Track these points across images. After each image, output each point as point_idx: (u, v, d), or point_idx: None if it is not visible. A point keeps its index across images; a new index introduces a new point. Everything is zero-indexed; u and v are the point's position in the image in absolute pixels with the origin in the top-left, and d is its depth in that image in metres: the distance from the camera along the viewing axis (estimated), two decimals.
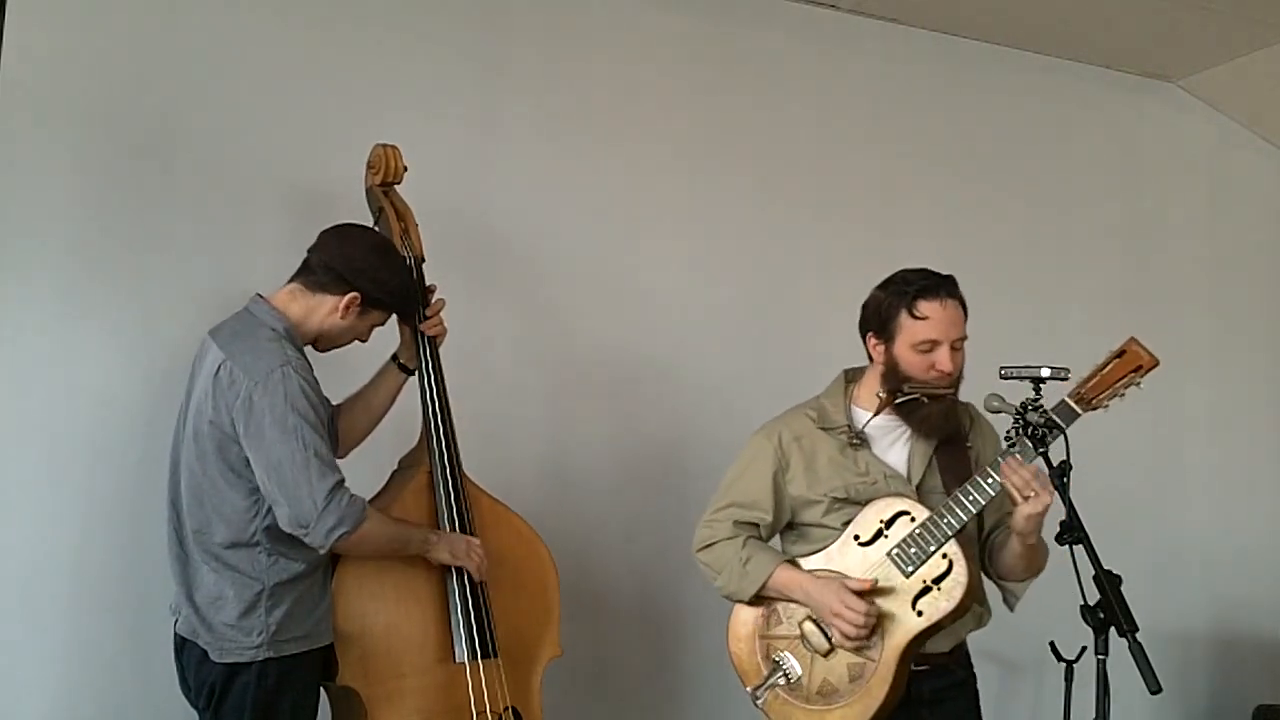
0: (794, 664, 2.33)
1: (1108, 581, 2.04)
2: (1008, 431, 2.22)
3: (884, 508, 2.32)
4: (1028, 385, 2.22)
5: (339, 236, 2.41)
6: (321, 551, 2.23)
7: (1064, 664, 3.31)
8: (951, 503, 2.25)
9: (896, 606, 2.27)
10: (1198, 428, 4.10)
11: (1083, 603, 2.07)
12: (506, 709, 2.42)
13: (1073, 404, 2.20)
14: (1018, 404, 2.20)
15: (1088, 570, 2.06)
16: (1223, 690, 4.09)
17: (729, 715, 3.31)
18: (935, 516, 2.26)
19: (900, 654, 2.25)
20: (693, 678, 3.35)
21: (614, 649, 3.26)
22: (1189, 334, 4.08)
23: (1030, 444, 2.19)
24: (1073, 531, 2.09)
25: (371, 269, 2.38)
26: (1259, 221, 4.31)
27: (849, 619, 2.23)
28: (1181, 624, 3.99)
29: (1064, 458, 2.18)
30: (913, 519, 2.28)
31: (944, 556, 2.25)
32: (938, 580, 2.25)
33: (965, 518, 2.24)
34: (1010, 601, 2.44)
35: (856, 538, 2.32)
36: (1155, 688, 1.94)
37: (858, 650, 2.27)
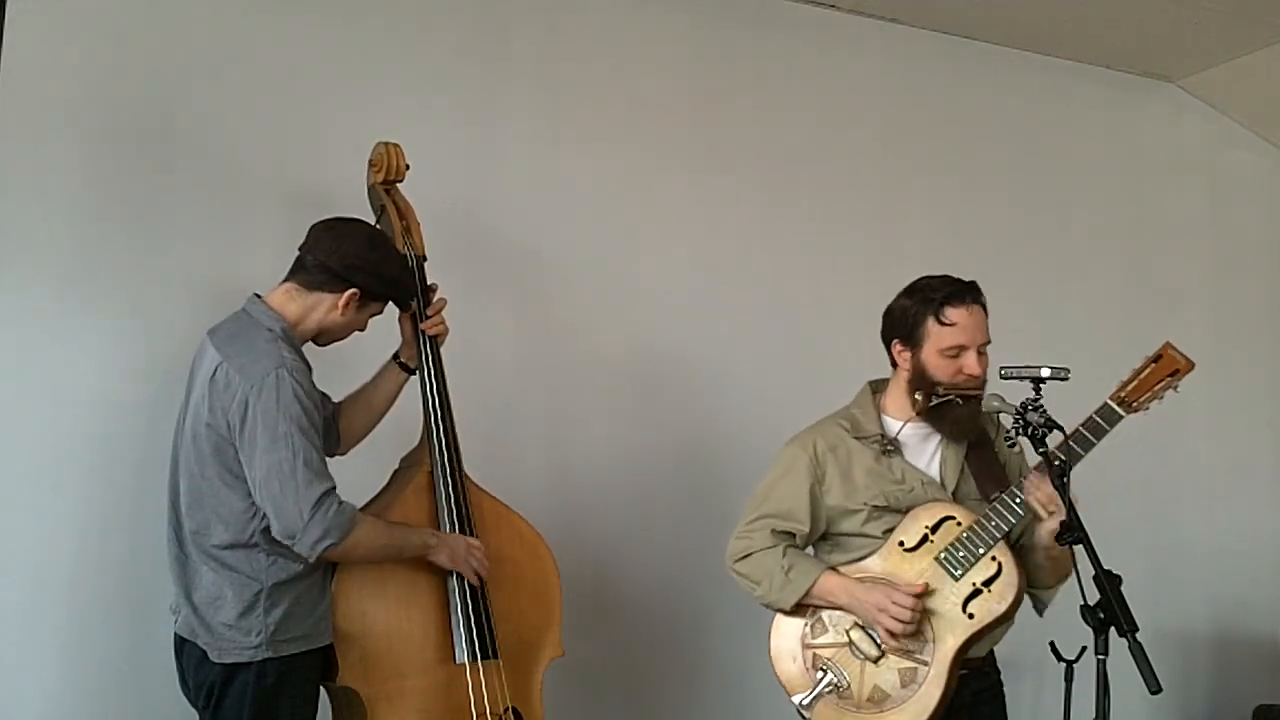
0: (842, 672, 2.31)
1: (1108, 581, 2.04)
2: (1008, 432, 2.22)
3: (929, 513, 2.33)
4: (1028, 385, 2.22)
5: (331, 233, 2.40)
6: (310, 560, 2.23)
7: (1064, 664, 3.31)
8: (999, 505, 2.27)
9: (947, 609, 2.27)
10: (1198, 428, 4.10)
11: (1083, 603, 2.07)
12: (507, 710, 2.42)
13: (1115, 406, 2.25)
14: (1018, 404, 2.20)
15: (1088, 570, 2.06)
16: (1223, 690, 4.09)
17: (730, 715, 3.32)
18: (983, 519, 2.27)
19: (953, 657, 2.26)
20: (695, 677, 3.35)
21: (615, 649, 3.26)
22: (1189, 334, 4.03)
23: (1030, 443, 2.19)
24: (1073, 531, 2.09)
25: (368, 264, 2.37)
26: (1259, 221, 4.31)
27: (894, 614, 2.23)
28: (1181, 624, 3.99)
29: (1063, 458, 2.18)
30: (959, 523, 2.29)
31: (993, 559, 2.26)
32: (988, 582, 2.26)
33: (1014, 520, 2.26)
34: (1039, 608, 2.45)
35: (901, 544, 2.33)
36: (1155, 688, 1.94)
37: (907, 654, 2.27)
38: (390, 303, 2.49)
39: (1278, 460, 4.26)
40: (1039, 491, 2.21)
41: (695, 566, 3.25)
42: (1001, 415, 2.29)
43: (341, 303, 2.36)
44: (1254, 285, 4.28)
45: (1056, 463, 2.16)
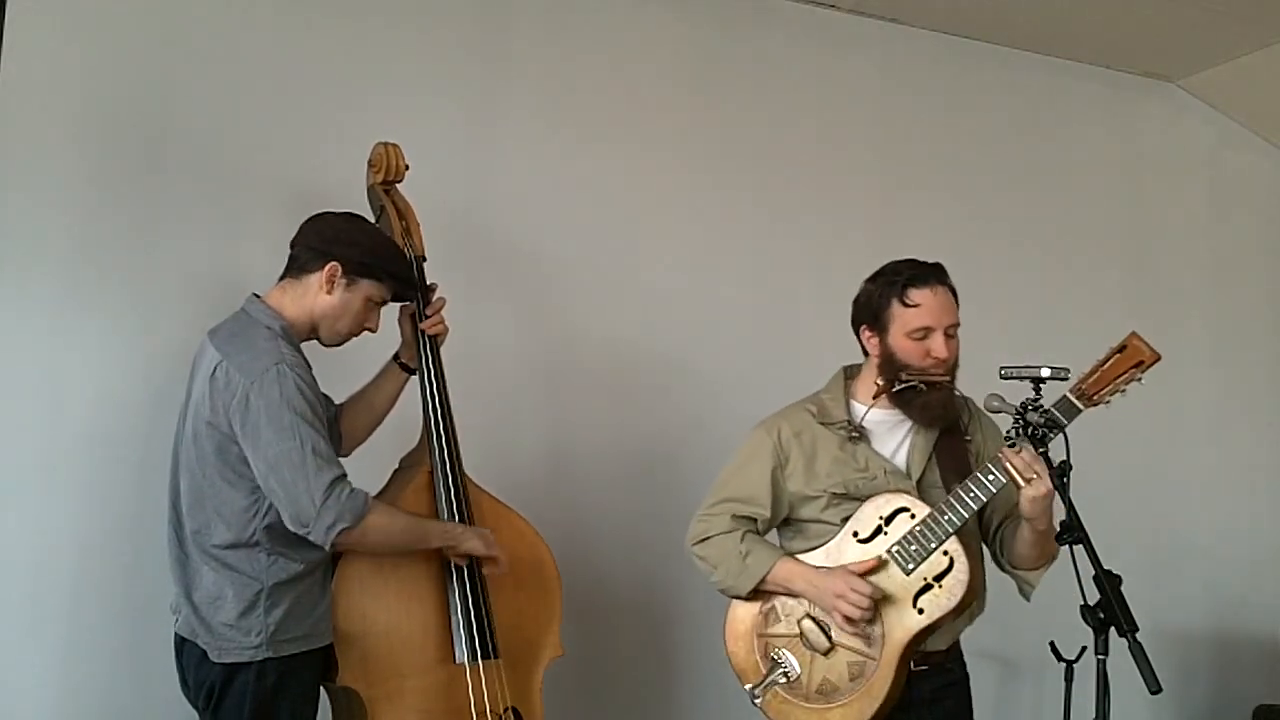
0: (793, 662, 2.32)
1: (1108, 581, 2.04)
2: (1008, 431, 2.22)
3: (883, 504, 2.31)
4: (1028, 385, 2.22)
5: (312, 219, 2.41)
6: (326, 549, 2.22)
7: (1064, 664, 3.31)
8: (953, 499, 2.24)
9: (897, 604, 2.26)
10: (1198, 428, 4.10)
11: (1083, 603, 2.07)
12: (507, 709, 2.42)
13: (1074, 399, 2.18)
14: (1018, 404, 2.20)
15: (1088, 570, 2.06)
16: (1223, 690, 4.09)
17: (731, 715, 3.31)
18: (936, 513, 2.25)
19: (901, 652, 2.25)
20: (695, 677, 3.35)
21: (616, 649, 3.26)
22: (1189, 334, 4.08)
23: (1030, 444, 2.19)
24: (1073, 531, 2.09)
25: (344, 234, 2.37)
26: (1259, 221, 4.31)
27: (852, 600, 2.23)
28: (1181, 624, 3.99)
29: (1064, 458, 2.18)
30: (913, 515, 2.28)
31: (945, 554, 2.24)
32: (939, 577, 2.25)
33: (966, 515, 2.23)
34: (1026, 591, 2.41)
35: (855, 534, 2.32)
36: (1155, 688, 1.94)
37: (858, 645, 2.26)
38: (377, 282, 2.39)
39: (1278, 460, 4.26)
40: (1016, 459, 2.16)
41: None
42: (1000, 415, 2.29)
43: (324, 278, 2.35)
44: (1254, 285, 4.28)
45: (1056, 465, 2.16)
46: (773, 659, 2.34)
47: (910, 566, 2.26)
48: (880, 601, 2.26)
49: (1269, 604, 4.15)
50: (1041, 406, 2.18)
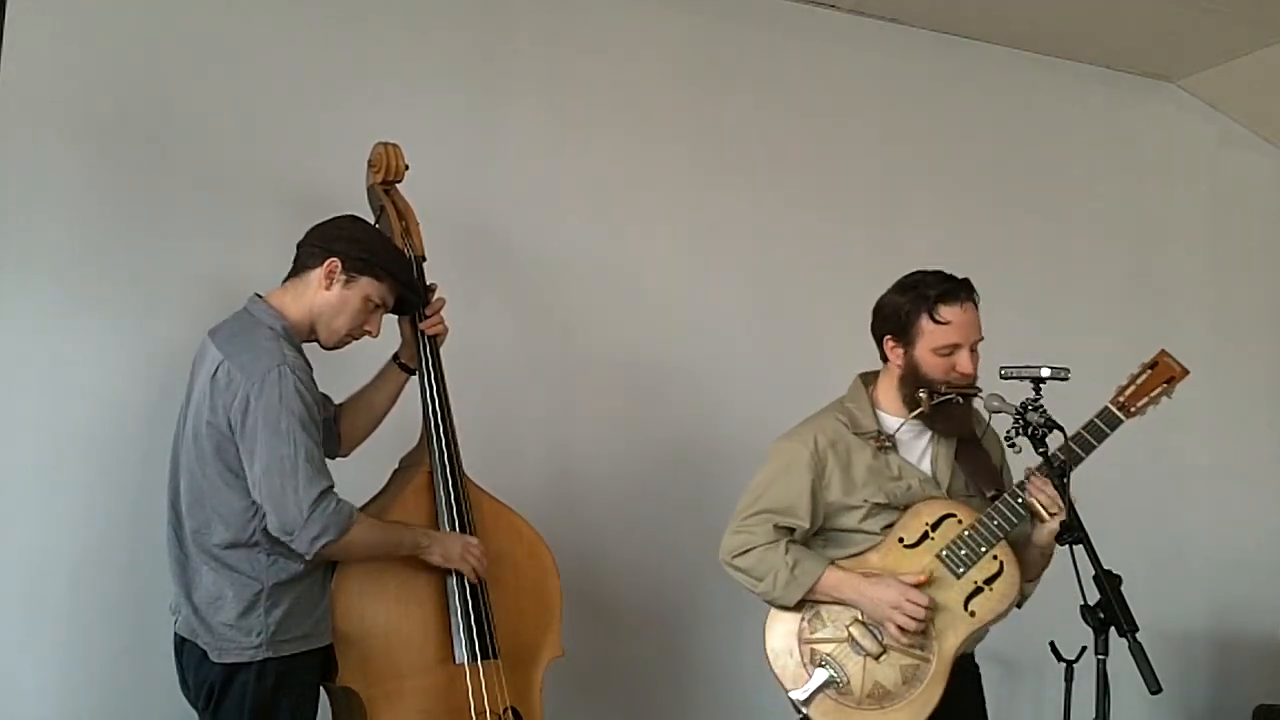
0: (841, 668, 2.31)
1: (1108, 581, 2.04)
2: (1008, 431, 2.22)
3: (929, 511, 2.34)
4: (1028, 385, 2.23)
5: (319, 223, 2.42)
6: (307, 558, 2.22)
7: (1064, 664, 3.31)
8: (1001, 505, 2.29)
9: (950, 607, 2.29)
10: (1198, 428, 4.09)
11: (1083, 603, 2.07)
12: (507, 710, 2.42)
13: (1116, 410, 2.29)
14: (1018, 404, 2.21)
15: (1088, 570, 2.06)
16: (1223, 690, 4.09)
17: (731, 715, 3.32)
18: (985, 518, 2.29)
19: (954, 654, 2.28)
20: (695, 677, 3.35)
21: (615, 649, 3.26)
22: (1189, 334, 4.07)
23: (1031, 444, 2.20)
24: (1073, 531, 2.10)
25: (345, 232, 2.38)
26: (1259, 221, 4.31)
27: (909, 611, 2.24)
28: (1181, 624, 3.99)
29: (1064, 459, 2.19)
30: (959, 521, 2.31)
31: (995, 558, 2.29)
32: (989, 581, 2.29)
33: (1016, 520, 2.29)
34: (1020, 601, 2.44)
35: (901, 540, 2.34)
36: (1155, 688, 1.95)
37: (911, 649, 2.28)
38: (376, 280, 2.37)
39: (1278, 460, 4.26)
40: (1041, 494, 2.23)
41: (696, 566, 3.25)
42: (1000, 415, 2.29)
43: (323, 274, 2.35)
44: (1254, 285, 4.28)
45: (1057, 463, 2.18)
46: (820, 665, 2.33)
47: (961, 570, 2.30)
48: (932, 605, 2.28)
49: (1269, 604, 4.14)
50: (1041, 407, 2.19)
